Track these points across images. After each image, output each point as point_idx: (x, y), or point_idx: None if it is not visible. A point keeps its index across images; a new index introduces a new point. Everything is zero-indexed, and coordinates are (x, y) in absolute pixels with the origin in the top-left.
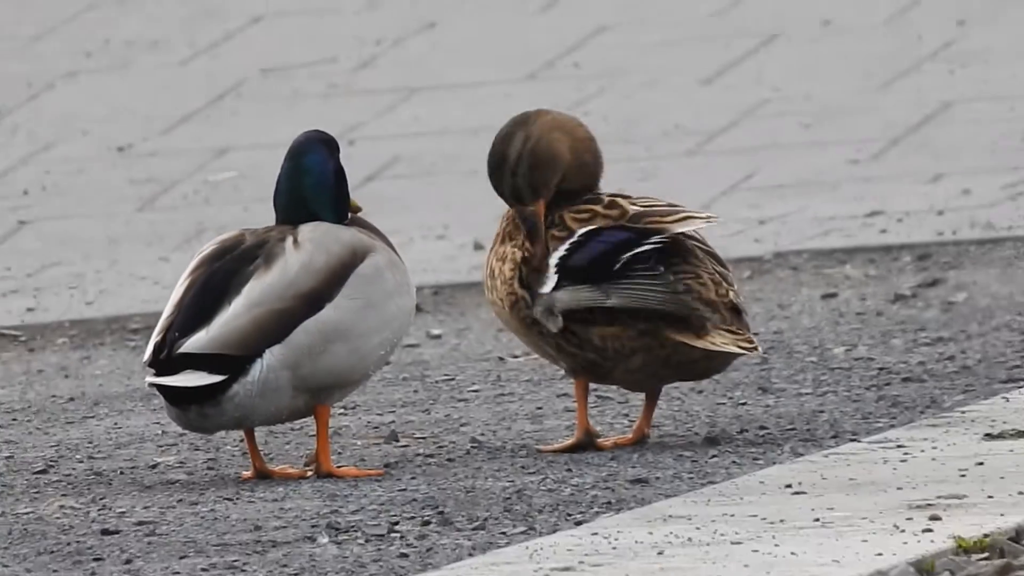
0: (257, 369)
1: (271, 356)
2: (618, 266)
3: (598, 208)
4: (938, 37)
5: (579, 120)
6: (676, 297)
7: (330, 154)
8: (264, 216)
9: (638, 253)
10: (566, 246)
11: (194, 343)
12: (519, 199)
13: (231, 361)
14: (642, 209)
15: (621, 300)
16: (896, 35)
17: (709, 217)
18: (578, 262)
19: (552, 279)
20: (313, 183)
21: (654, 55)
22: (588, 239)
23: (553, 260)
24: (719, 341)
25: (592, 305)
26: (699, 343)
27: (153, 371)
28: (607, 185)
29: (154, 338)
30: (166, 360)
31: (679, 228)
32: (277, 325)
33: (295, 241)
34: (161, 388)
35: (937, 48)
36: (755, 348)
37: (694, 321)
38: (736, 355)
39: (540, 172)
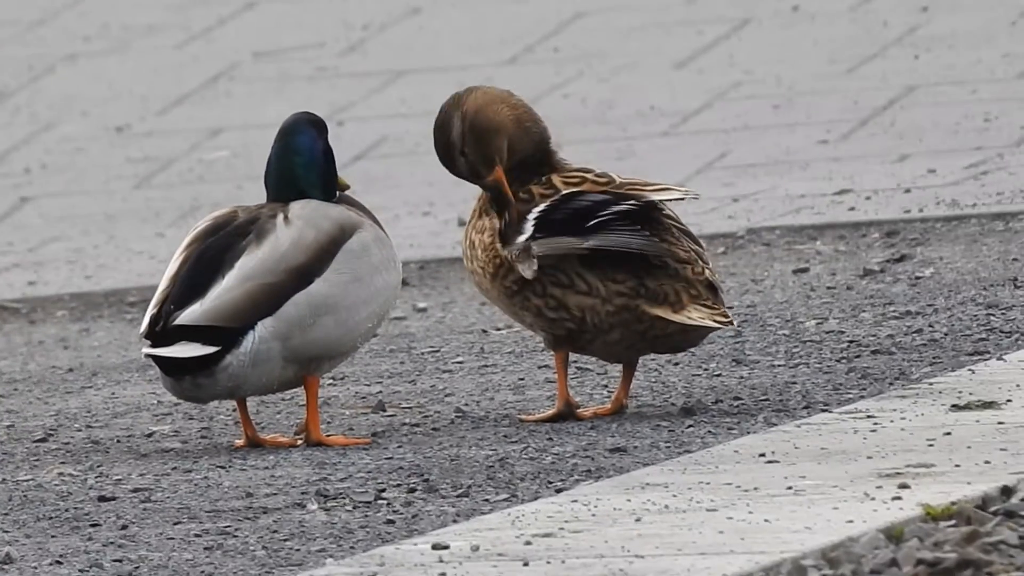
0: (249, 341)
1: (263, 328)
2: (595, 222)
3: (589, 176)
4: (903, 23)
5: (508, 91)
6: (654, 243)
7: (319, 135)
8: (256, 193)
9: (616, 211)
10: (546, 203)
11: (189, 315)
12: (477, 175)
13: (224, 333)
14: (627, 180)
15: (599, 242)
16: (862, 21)
17: (687, 192)
18: (556, 216)
19: (528, 230)
20: (302, 162)
21: (630, 40)
22: (568, 199)
23: (532, 215)
24: (695, 315)
25: (569, 251)
26: (675, 317)
27: (149, 342)
28: (587, 165)
29: (150, 311)
30: (161, 332)
31: (656, 196)
32: (268, 298)
33: (286, 218)
34: (156, 359)
35: (902, 33)
36: (730, 322)
37: (670, 295)
38: (712, 329)
39: (486, 143)
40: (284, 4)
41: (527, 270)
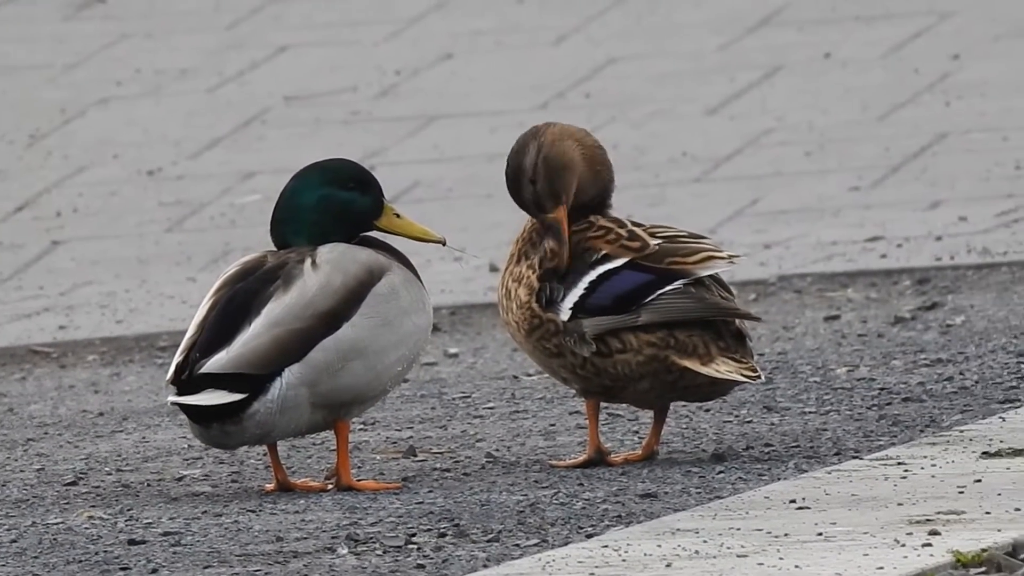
0: (276, 387)
1: (290, 374)
2: (645, 302)
3: (623, 233)
4: (934, 70)
5: (587, 130)
6: (709, 305)
7: (322, 182)
8: None
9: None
10: (585, 285)
11: (214, 363)
12: (541, 207)
13: (251, 380)
14: (663, 245)
15: (653, 316)
16: (894, 68)
17: (731, 257)
18: (599, 301)
19: (567, 312)
20: (284, 206)
21: (662, 86)
22: (609, 277)
23: (568, 303)
24: (723, 369)
25: (621, 326)
26: (704, 369)
27: (175, 390)
28: (619, 211)
29: (176, 358)
30: (188, 379)
31: (702, 271)
32: (296, 344)
33: (313, 262)
34: (183, 407)
35: (934, 80)
36: (757, 376)
37: (699, 347)
38: (739, 383)
39: (557, 178)
40: (317, 48)
41: (585, 351)
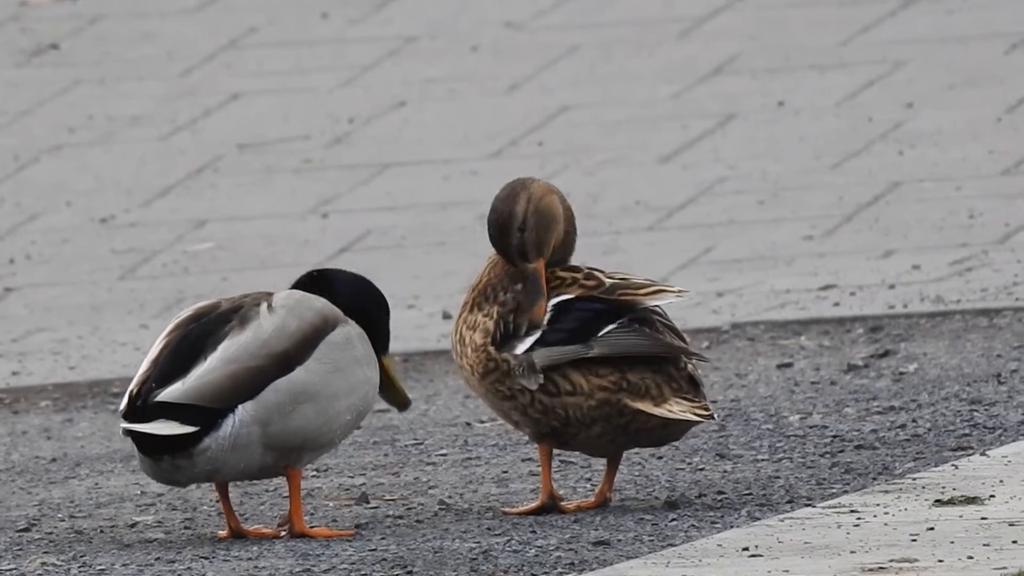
0: (229, 424)
1: (243, 411)
2: (599, 335)
3: (579, 276)
4: (888, 119)
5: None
6: (660, 342)
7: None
8: (240, 286)
9: (616, 324)
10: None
11: (171, 393)
12: (524, 256)
13: (204, 413)
14: (617, 282)
15: (604, 349)
16: (848, 116)
17: (680, 291)
18: (556, 330)
19: (528, 342)
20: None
21: (615, 134)
22: (563, 309)
23: (530, 338)
24: (676, 409)
25: (573, 358)
26: (656, 411)
27: (126, 421)
28: (573, 260)
29: (130, 389)
30: (141, 408)
31: (651, 301)
32: (250, 381)
33: (269, 306)
34: (135, 437)
35: (887, 129)
36: (711, 415)
37: (652, 389)
38: (693, 423)
39: (545, 229)
40: (270, 96)
41: (532, 383)
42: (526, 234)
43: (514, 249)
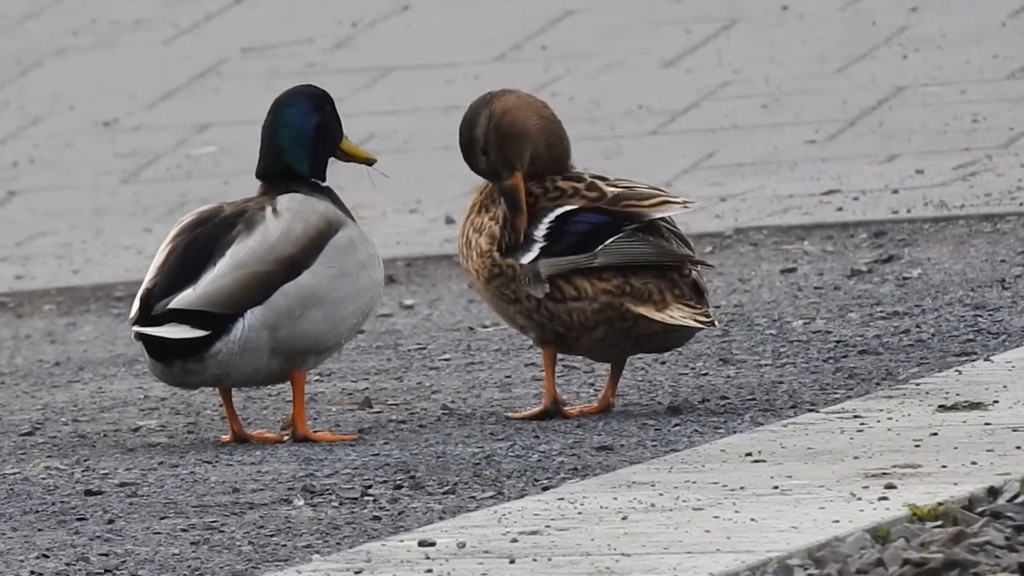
0: (239, 328)
1: (252, 316)
2: (600, 247)
3: (580, 187)
4: (892, 23)
5: (544, 101)
6: (665, 250)
7: (314, 108)
8: (244, 189)
9: (618, 235)
10: (545, 225)
11: (182, 299)
12: (496, 176)
13: (215, 319)
14: (620, 191)
15: (609, 258)
16: (852, 21)
17: (685, 202)
18: (558, 240)
19: (535, 251)
20: (290, 135)
21: (618, 38)
22: (567, 220)
23: (535, 247)
24: (677, 315)
25: (578, 267)
26: (658, 316)
27: (139, 326)
28: (575, 164)
29: (139, 295)
30: (152, 315)
31: (656, 213)
32: (259, 287)
33: (274, 210)
34: (147, 341)
35: (891, 34)
36: (712, 322)
37: (654, 294)
38: (694, 329)
39: (510, 147)
40: (273, 0)
41: (539, 292)
42: (491, 155)
43: (485, 172)
